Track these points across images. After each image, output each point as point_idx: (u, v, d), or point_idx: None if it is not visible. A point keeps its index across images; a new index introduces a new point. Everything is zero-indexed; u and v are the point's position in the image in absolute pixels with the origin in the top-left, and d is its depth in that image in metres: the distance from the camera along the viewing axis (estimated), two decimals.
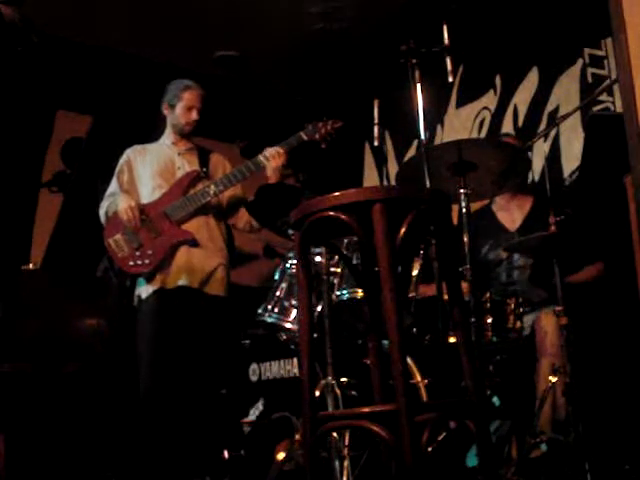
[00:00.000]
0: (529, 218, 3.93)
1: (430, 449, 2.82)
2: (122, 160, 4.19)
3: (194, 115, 4.14)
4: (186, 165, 4.16)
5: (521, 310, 3.34)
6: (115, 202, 4.02)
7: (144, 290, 3.95)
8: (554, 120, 4.52)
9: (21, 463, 3.77)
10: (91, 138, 5.70)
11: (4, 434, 3.75)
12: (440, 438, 2.91)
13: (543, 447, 2.98)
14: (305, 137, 3.97)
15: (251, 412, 3.81)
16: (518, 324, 3.32)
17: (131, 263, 3.91)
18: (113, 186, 4.13)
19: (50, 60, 5.16)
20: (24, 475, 3.77)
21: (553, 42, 4.89)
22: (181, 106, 4.15)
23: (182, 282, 3.92)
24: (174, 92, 4.18)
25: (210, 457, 3.81)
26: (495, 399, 3.29)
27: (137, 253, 3.91)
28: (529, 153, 4.18)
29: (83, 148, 5.65)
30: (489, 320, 3.29)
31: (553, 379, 3.15)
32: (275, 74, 6.16)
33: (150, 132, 4.37)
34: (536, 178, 4.30)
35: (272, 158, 3.92)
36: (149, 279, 3.93)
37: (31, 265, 4.27)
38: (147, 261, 3.90)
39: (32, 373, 3.90)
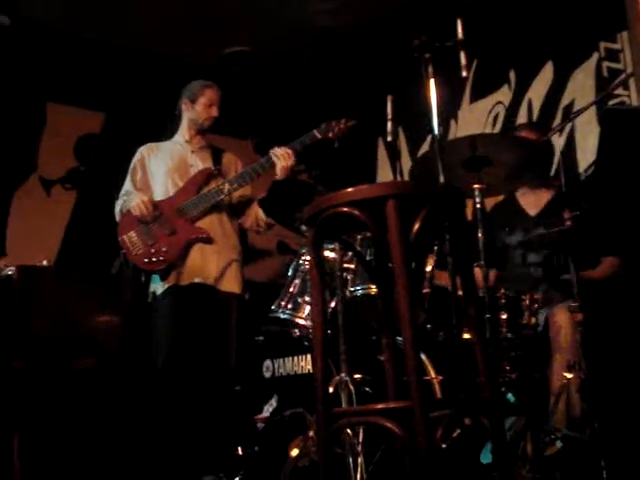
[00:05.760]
0: (549, 207, 3.92)
1: (444, 446, 2.81)
2: (135, 158, 4.20)
3: (214, 112, 4.17)
4: (199, 163, 4.17)
5: (536, 306, 3.32)
6: (129, 200, 4.03)
7: (158, 287, 3.96)
8: (569, 115, 4.49)
9: (35, 460, 3.78)
10: (104, 135, 5.71)
11: (18, 431, 3.76)
12: (454, 435, 2.90)
13: (558, 444, 2.96)
14: (319, 136, 3.96)
15: (265, 408, 3.81)
16: (533, 320, 3.31)
17: (146, 260, 3.92)
18: (127, 185, 4.15)
19: (54, 54, 5.19)
20: (38, 472, 3.78)
21: (568, 36, 4.86)
22: (202, 102, 4.17)
23: (196, 279, 3.93)
24: (195, 89, 4.21)
25: (224, 453, 3.82)
26: (510, 396, 3.27)
27: (152, 250, 3.91)
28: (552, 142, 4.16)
29: (96, 145, 5.66)
30: (504, 316, 3.28)
31: (568, 375, 3.14)
32: (287, 70, 6.15)
33: (162, 128, 4.38)
34: (551, 173, 4.29)
35: (282, 158, 3.92)
36: (163, 276, 3.93)
37: (44, 262, 4.27)
38: (162, 258, 3.90)
39: (45, 370, 3.91)
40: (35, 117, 2.28)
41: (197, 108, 4.19)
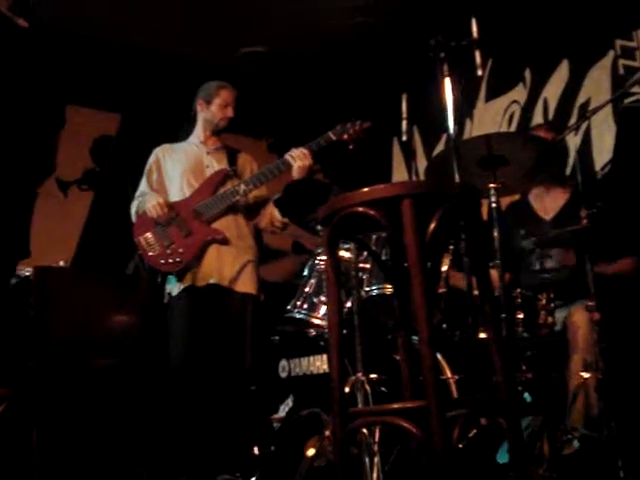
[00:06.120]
0: (565, 209, 3.90)
1: (461, 446, 2.81)
2: (151, 160, 4.22)
3: (229, 112, 4.17)
4: (215, 164, 4.18)
5: (552, 305, 3.30)
6: (144, 201, 4.04)
7: (174, 288, 3.98)
8: (585, 113, 4.47)
9: (53, 457, 3.81)
10: (120, 135, 5.73)
11: (37, 428, 3.78)
12: (471, 435, 2.89)
13: (575, 444, 2.95)
14: (333, 137, 3.96)
15: (281, 408, 3.81)
16: (549, 319, 3.29)
17: (162, 261, 3.93)
18: (143, 186, 4.16)
19: (70, 56, 5.19)
20: (56, 469, 3.80)
21: (583, 34, 4.84)
22: (217, 103, 4.18)
23: (212, 280, 3.94)
24: (211, 89, 4.22)
25: (240, 453, 3.82)
26: (526, 395, 3.26)
27: (168, 251, 3.93)
28: (566, 141, 4.13)
29: (112, 146, 5.69)
30: (520, 315, 3.27)
31: (585, 375, 3.12)
32: (302, 69, 6.15)
33: (178, 129, 4.39)
34: (568, 171, 4.26)
35: (298, 159, 3.92)
36: (179, 277, 3.95)
37: (61, 262, 4.30)
38: (178, 259, 3.91)
39: (63, 369, 3.94)
40: (54, 119, 2.31)
41: (212, 109, 4.20)
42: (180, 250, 3.92)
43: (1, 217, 2.20)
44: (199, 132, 4.27)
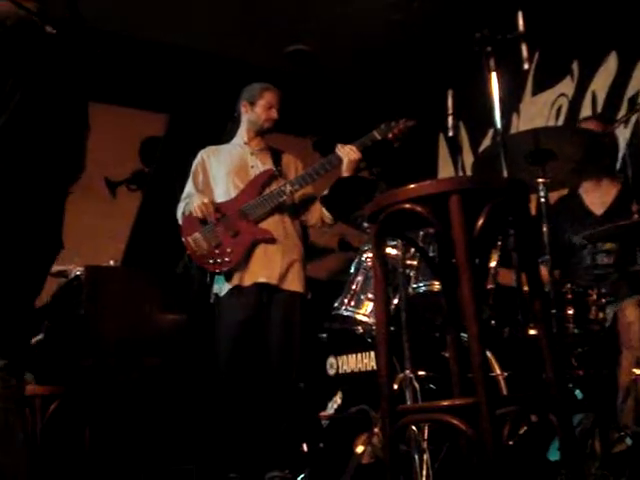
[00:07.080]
0: (616, 203, 3.84)
1: (511, 443, 2.79)
2: (196, 161, 4.25)
3: (274, 114, 4.19)
4: (259, 164, 4.20)
5: (604, 301, 3.26)
6: (191, 202, 4.08)
7: (222, 288, 4.00)
8: (634, 106, 4.40)
9: (105, 454, 3.86)
10: (168, 136, 5.79)
11: (89, 426, 3.85)
12: (521, 432, 2.87)
13: (628, 441, 2.91)
14: (378, 137, 3.97)
15: (329, 405, 3.82)
16: (601, 315, 3.24)
17: (211, 261, 3.96)
18: (189, 187, 4.20)
19: (119, 58, 5.27)
20: (108, 466, 3.86)
21: (632, 25, 4.76)
22: (262, 104, 4.20)
23: (260, 279, 3.96)
24: (255, 91, 4.24)
25: (289, 450, 3.84)
26: (577, 392, 3.22)
27: (217, 251, 3.96)
28: (616, 135, 4.07)
29: (160, 146, 5.74)
30: (570, 311, 3.22)
31: (637, 371, 3.08)
32: (347, 67, 6.15)
33: (225, 129, 4.42)
34: (617, 165, 4.20)
35: (347, 154, 3.93)
36: (227, 276, 3.97)
37: (111, 262, 4.36)
38: (227, 259, 3.94)
39: (113, 367, 3.99)
40: (80, 121, 2.36)
41: (256, 110, 4.22)
42: (228, 250, 3.95)
43: (36, 212, 2.27)
44: (243, 133, 4.29)
